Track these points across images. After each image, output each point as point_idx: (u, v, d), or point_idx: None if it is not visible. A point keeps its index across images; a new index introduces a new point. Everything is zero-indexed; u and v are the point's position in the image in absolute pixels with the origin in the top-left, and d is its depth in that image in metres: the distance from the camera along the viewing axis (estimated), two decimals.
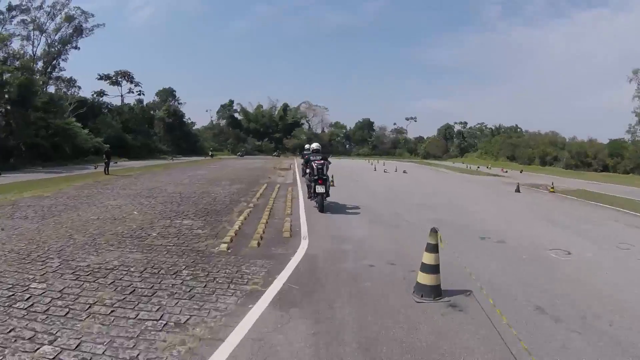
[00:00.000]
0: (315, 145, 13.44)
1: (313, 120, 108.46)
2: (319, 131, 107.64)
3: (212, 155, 65.02)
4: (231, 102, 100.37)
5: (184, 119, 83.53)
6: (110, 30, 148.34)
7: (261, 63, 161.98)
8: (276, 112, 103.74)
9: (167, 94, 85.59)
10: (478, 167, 53.71)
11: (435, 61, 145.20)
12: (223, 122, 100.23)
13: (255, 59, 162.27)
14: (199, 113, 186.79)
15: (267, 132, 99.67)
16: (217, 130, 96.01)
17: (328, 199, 12.15)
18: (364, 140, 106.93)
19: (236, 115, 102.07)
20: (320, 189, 11.46)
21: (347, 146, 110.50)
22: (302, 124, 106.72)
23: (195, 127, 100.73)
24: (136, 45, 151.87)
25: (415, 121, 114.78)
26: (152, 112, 79.79)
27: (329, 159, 12.86)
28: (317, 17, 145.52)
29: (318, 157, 12.04)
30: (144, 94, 63.68)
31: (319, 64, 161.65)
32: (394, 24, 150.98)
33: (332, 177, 17.35)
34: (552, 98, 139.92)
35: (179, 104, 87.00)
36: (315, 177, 11.67)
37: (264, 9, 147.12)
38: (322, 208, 11.44)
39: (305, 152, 15.35)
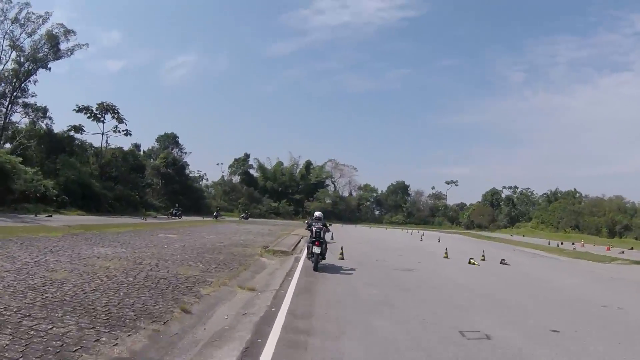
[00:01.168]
0: (317, 213, 14.39)
1: (339, 182, 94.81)
2: (345, 194, 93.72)
3: (216, 217, 51.63)
4: (247, 156, 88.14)
5: (186, 170, 70.95)
6: (143, 88, 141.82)
7: (283, 120, 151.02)
8: (297, 171, 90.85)
9: (169, 140, 73.77)
10: (562, 243, 38.02)
11: (461, 127, 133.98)
12: (236, 178, 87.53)
13: (278, 116, 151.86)
14: (209, 166, 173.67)
15: (287, 192, 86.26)
16: (228, 187, 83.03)
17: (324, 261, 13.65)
18: (398, 206, 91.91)
19: (251, 171, 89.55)
20: (316, 249, 12.76)
21: (378, 212, 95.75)
22: (327, 184, 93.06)
23: (204, 181, 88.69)
24: (160, 101, 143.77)
25: (457, 185, 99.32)
26: (151, 159, 67.78)
27: (328, 226, 14.70)
28: (343, 82, 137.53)
29: (319, 224, 13.57)
30: (130, 134, 51.08)
31: (346, 124, 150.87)
32: (419, 91, 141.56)
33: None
34: (579, 161, 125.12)
35: (182, 152, 74.91)
36: (313, 239, 13.02)
37: (291, 73, 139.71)
38: (317, 267, 12.55)
39: (309, 219, 14.94)
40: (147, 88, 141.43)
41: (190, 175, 75.25)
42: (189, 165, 73.10)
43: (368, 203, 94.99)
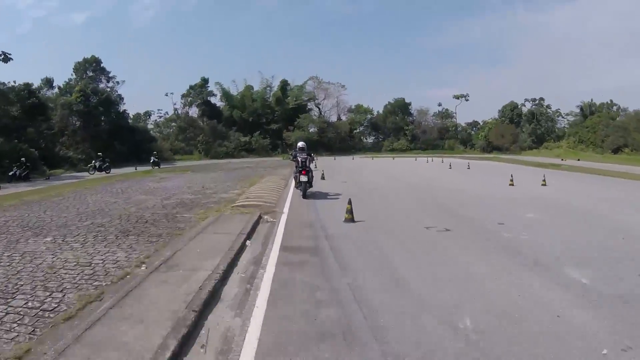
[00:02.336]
0: (300, 144, 14.79)
1: (325, 104, 76.10)
2: (333, 118, 75.56)
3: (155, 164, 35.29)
4: (205, 81, 68.39)
5: (117, 106, 52.17)
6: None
7: (256, 51, 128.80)
8: (271, 94, 71.98)
9: (90, 66, 53.88)
10: None
11: (441, 48, 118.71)
12: (193, 110, 68.87)
13: (251, 49, 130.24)
14: (156, 100, 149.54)
15: (260, 122, 68.16)
16: (183, 123, 64.60)
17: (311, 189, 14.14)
18: (399, 129, 74.42)
19: (213, 100, 70.48)
20: (303, 178, 13.58)
21: (373, 138, 78.59)
22: (310, 109, 74.67)
23: (156, 119, 70.35)
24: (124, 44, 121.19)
25: (467, 100, 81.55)
26: (64, 96, 48.58)
27: (313, 155, 15.31)
28: (318, 9, 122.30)
29: (303, 154, 14.03)
30: (10, 58, 32.21)
31: (326, 47, 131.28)
32: (398, 12, 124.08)
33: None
34: (568, 78, 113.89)
35: (111, 83, 55.50)
36: (300, 169, 13.78)
37: (263, 3, 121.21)
38: (305, 194, 13.50)
39: (293, 151, 15.34)
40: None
41: (127, 112, 56.50)
42: (123, 99, 54.12)
43: (362, 128, 77.50)
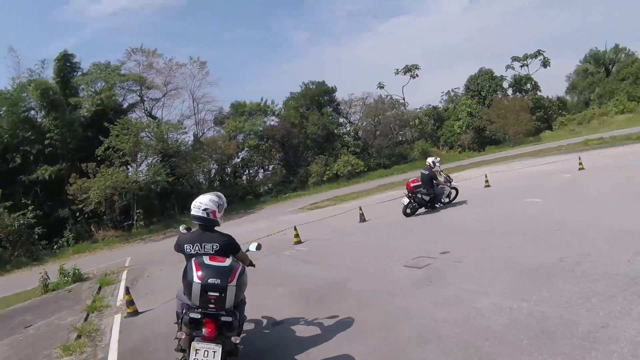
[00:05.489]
0: (201, 201, 3.92)
1: (169, 109, 38.26)
2: (187, 136, 35.36)
3: None
4: None
5: None
6: None
7: None
8: (31, 89, 27.52)
9: None
10: None
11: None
12: None
13: None
14: None
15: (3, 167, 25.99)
16: None
17: None
18: (328, 136, 37.15)
19: None
20: (207, 349, 3.31)
21: (274, 163, 39.85)
22: (139, 118, 31.92)
23: None
24: None
25: (416, 76, 46.77)
26: None
27: (253, 247, 4.38)
28: None
29: (213, 244, 3.83)
30: None
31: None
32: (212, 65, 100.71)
33: None
34: None
35: None
36: (197, 312, 3.42)
37: None
38: None
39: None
40: None
41: None
42: None
43: (245, 150, 37.68)
